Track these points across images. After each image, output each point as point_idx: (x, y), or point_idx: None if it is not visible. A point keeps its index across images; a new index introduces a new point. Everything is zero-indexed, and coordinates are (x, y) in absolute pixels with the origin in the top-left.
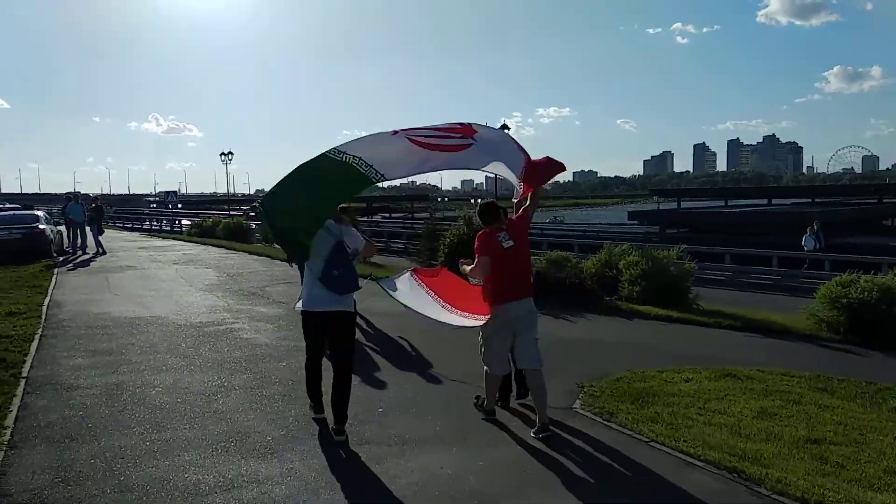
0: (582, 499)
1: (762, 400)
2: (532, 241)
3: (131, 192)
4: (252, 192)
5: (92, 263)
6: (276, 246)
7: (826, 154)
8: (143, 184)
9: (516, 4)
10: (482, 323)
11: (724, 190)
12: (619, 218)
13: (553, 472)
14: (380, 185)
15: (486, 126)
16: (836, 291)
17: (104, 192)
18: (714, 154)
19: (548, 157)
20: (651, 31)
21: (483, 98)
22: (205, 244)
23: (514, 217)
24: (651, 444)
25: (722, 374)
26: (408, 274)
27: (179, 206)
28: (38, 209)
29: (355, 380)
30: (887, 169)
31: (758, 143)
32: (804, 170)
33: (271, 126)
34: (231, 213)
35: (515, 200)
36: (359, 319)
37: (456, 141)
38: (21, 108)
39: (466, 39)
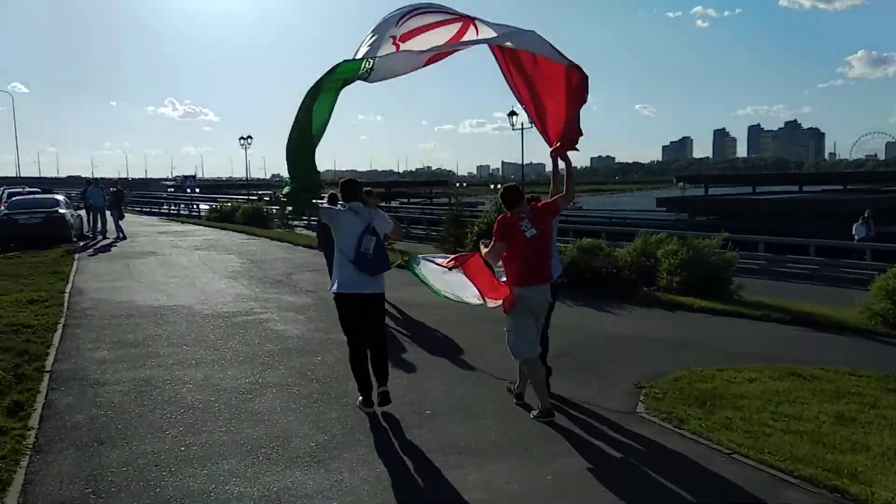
0: None
1: (836, 403)
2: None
3: (148, 177)
4: (268, 176)
5: (112, 249)
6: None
7: (848, 140)
8: (159, 168)
9: None
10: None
11: (751, 176)
12: (642, 204)
13: (632, 490)
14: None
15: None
16: (894, 283)
17: (122, 177)
18: (734, 140)
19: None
20: (671, 14)
21: (500, 82)
22: (224, 229)
23: (539, 203)
24: (733, 455)
25: (785, 373)
26: (439, 260)
27: (198, 190)
28: (57, 193)
29: (397, 374)
30: None
31: (779, 128)
32: (826, 156)
33: (289, 110)
34: (250, 197)
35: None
36: (388, 307)
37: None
38: (39, 93)
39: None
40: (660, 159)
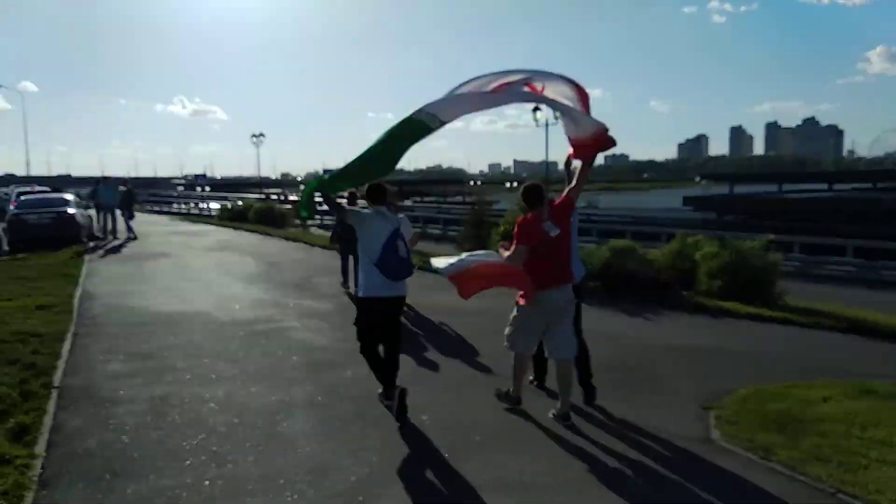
0: None
1: None
2: (579, 227)
3: (157, 176)
4: (279, 175)
5: (123, 250)
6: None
7: (866, 138)
8: (169, 167)
9: None
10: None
11: (776, 174)
12: (663, 203)
13: None
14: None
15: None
16: None
17: (132, 175)
18: (751, 137)
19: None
20: (686, 10)
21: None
22: (237, 229)
23: (556, 201)
24: (838, 495)
25: (859, 390)
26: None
27: (208, 188)
28: (66, 192)
29: (440, 390)
30: None
31: (797, 125)
32: (844, 153)
33: (298, 109)
34: (267, 195)
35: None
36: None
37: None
38: (49, 92)
39: (498, 21)
40: (675, 157)
